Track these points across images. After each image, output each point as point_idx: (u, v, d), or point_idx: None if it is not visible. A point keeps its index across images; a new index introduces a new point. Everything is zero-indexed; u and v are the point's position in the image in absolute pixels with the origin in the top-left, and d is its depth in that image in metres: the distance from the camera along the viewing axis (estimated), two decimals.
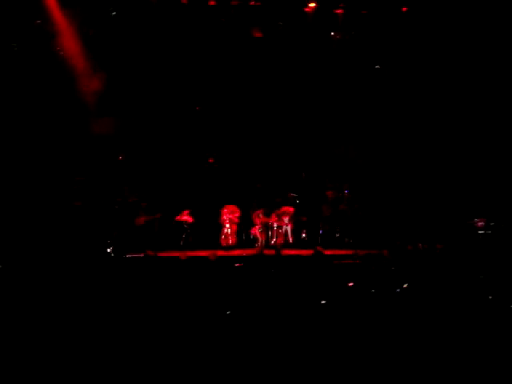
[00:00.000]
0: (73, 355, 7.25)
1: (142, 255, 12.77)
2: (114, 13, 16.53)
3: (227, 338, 7.78)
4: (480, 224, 16.17)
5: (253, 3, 16.83)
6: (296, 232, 17.31)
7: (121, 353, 7.34)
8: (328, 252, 13.77)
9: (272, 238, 17.13)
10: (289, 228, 17.27)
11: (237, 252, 16.13)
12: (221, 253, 14.31)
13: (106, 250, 15.14)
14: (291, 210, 17.39)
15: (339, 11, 17.09)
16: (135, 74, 17.39)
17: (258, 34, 17.82)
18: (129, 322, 8.07)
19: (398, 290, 9.40)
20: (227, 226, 17.07)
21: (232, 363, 7.34)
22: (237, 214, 17.15)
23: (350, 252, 14.34)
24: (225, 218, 17.11)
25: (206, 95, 18.28)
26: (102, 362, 7.18)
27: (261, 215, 17.27)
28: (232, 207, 17.22)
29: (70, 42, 16.56)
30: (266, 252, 13.77)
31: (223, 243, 16.99)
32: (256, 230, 17.18)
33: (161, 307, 8.54)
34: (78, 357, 7.23)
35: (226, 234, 17.05)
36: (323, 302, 9.16)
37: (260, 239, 17.13)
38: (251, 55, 17.92)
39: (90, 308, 8.54)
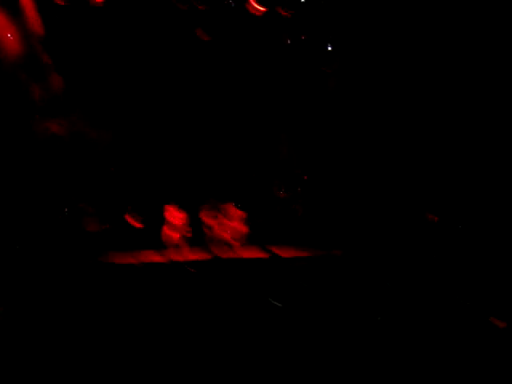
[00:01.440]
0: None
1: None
2: None
3: (186, 347, 7.76)
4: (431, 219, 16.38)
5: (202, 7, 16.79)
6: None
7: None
8: (282, 254, 13.84)
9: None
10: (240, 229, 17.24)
11: (190, 256, 16.01)
12: (174, 257, 14.21)
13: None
14: (240, 212, 17.35)
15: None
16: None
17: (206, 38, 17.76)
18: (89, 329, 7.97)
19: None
20: (172, 226, 16.90)
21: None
22: (181, 216, 17.01)
23: (304, 253, 14.39)
24: (169, 218, 16.93)
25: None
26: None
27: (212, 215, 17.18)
28: (174, 208, 17.06)
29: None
30: (220, 255, 13.73)
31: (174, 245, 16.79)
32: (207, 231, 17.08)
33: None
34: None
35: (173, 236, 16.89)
36: (279, 304, 9.22)
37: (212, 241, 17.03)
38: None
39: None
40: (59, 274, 11.92)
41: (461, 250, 12.69)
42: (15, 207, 16.30)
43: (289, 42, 17.90)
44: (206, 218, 17.19)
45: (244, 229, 17.23)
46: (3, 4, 16.15)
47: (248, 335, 8.41)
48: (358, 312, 9.12)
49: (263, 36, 17.72)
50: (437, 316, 8.84)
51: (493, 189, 15.85)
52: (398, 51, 17.52)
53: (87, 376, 7.10)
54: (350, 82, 18.21)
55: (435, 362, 7.67)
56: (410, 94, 17.62)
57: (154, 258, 14.67)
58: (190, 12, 17.05)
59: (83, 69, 17.33)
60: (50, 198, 16.85)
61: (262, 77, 18.43)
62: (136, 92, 17.92)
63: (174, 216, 16.90)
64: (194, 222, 17.22)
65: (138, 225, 16.49)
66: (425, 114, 17.31)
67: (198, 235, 17.12)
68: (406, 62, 17.43)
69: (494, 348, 7.89)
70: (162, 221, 16.95)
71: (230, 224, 17.18)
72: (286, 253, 14.56)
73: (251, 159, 18.73)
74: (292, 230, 17.50)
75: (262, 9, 17.05)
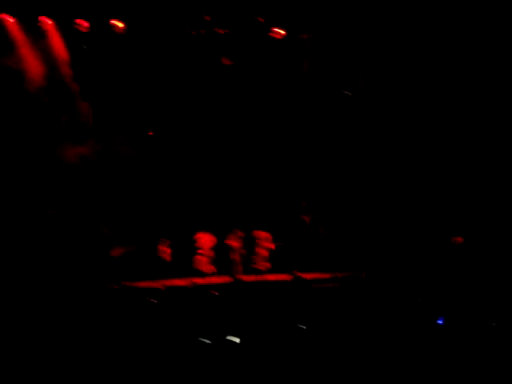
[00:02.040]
0: None
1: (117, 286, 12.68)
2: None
3: (212, 367, 7.72)
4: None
5: (221, 31, 16.97)
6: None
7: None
8: (307, 276, 13.79)
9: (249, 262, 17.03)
10: (265, 252, 17.22)
11: (214, 279, 16.00)
12: (198, 280, 14.22)
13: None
14: (267, 234, 17.35)
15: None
16: None
17: (227, 62, 17.91)
18: (111, 352, 7.98)
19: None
20: (202, 252, 16.94)
21: None
22: (211, 240, 17.04)
23: (328, 275, 14.31)
24: (199, 244, 16.99)
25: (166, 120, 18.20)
26: None
27: (237, 240, 17.21)
28: (206, 234, 17.11)
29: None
30: (245, 278, 13.72)
31: (199, 270, 16.82)
32: (233, 255, 17.09)
33: (142, 338, 8.46)
34: None
35: (202, 261, 16.92)
36: (303, 327, 9.15)
37: (237, 264, 17.02)
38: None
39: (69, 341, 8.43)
40: (84, 295, 12.02)
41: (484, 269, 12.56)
42: (44, 228, 16.58)
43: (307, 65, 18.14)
44: (234, 242, 17.23)
45: (269, 252, 17.27)
46: (30, 32, 16.59)
47: (272, 357, 8.36)
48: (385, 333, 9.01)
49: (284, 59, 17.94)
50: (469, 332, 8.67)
51: None
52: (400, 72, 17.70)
53: None
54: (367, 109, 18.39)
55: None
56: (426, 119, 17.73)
57: (180, 282, 14.73)
58: (209, 36, 17.39)
59: (110, 94, 17.75)
60: (79, 221, 17.10)
61: (286, 103, 18.67)
62: (165, 115, 18.28)
63: (204, 241, 16.99)
64: (222, 247, 17.31)
65: (167, 250, 16.63)
66: (445, 135, 17.36)
67: (225, 259, 17.21)
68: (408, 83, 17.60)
69: None
70: (192, 246, 17.09)
71: (256, 247, 17.21)
72: (310, 275, 14.53)
73: (278, 185, 18.85)
74: (316, 252, 17.49)
75: (282, 32, 17.27)
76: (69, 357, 7.83)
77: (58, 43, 16.75)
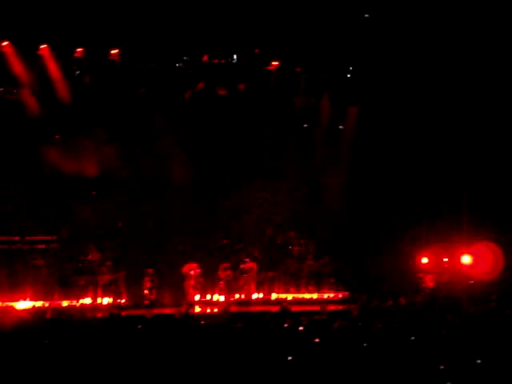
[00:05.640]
0: None
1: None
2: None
3: None
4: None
5: (216, 61, 17.16)
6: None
7: None
8: (295, 308, 13.73)
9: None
10: (252, 283, 17.19)
11: (201, 309, 15.94)
12: (184, 309, 14.14)
13: None
14: (255, 265, 17.32)
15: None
16: None
17: (222, 92, 18.08)
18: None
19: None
20: (190, 282, 16.88)
21: None
22: (197, 271, 16.99)
23: (316, 308, 14.28)
24: (186, 274, 16.94)
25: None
26: None
27: (225, 270, 17.17)
28: (192, 264, 17.07)
29: None
30: (232, 309, 13.65)
31: (187, 300, 16.75)
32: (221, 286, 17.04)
33: (127, 366, 8.40)
34: None
35: (189, 291, 16.85)
36: (290, 358, 9.10)
37: (225, 295, 16.96)
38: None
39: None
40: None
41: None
42: None
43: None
44: (222, 272, 17.20)
45: (256, 281, 17.25)
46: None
47: None
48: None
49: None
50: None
51: None
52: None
53: None
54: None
55: None
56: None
57: (166, 310, 14.69)
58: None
59: None
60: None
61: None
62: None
63: (191, 270, 16.96)
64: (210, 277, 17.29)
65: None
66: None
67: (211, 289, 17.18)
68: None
69: None
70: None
71: (245, 277, 17.18)
72: (296, 307, 14.52)
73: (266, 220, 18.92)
74: (305, 282, 17.49)
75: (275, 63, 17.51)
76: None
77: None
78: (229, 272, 17.10)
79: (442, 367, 8.32)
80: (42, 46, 16.62)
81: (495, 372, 8.16)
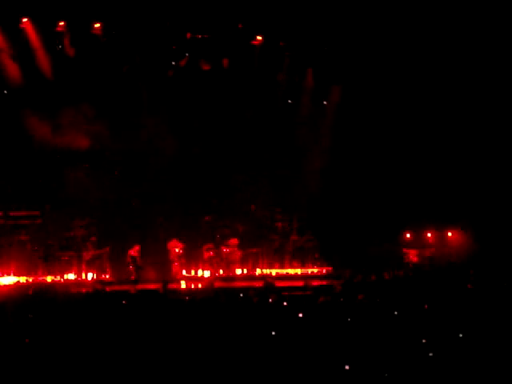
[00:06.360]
0: None
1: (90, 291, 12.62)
2: None
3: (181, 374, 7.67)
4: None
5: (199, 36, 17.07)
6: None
7: None
8: (279, 283, 13.78)
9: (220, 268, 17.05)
10: (237, 258, 17.24)
11: (186, 284, 15.98)
12: (171, 285, 14.17)
13: None
14: (237, 241, 17.37)
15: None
16: None
17: (206, 67, 17.98)
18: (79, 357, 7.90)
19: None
20: (173, 259, 16.92)
21: None
22: (180, 247, 17.02)
23: (300, 283, 14.35)
24: (170, 251, 16.97)
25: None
26: None
27: (209, 247, 17.21)
28: (176, 241, 17.08)
29: None
30: (216, 284, 13.67)
31: (171, 276, 16.78)
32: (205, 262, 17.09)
33: (111, 342, 8.39)
34: None
35: (173, 267, 16.89)
36: (273, 333, 9.12)
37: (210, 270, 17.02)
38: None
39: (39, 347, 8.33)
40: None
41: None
42: None
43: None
44: (206, 253, 17.25)
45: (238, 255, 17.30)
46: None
47: (244, 364, 8.34)
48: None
49: None
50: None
51: None
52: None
53: None
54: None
55: None
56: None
57: (151, 285, 14.71)
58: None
59: None
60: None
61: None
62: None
63: (175, 247, 16.98)
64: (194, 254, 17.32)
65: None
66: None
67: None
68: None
69: None
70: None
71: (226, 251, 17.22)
72: (280, 282, 14.59)
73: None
74: (289, 258, 17.57)
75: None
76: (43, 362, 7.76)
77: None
78: (211, 253, 17.19)
79: (424, 341, 8.38)
80: (24, 20, 16.45)
81: (476, 345, 8.24)
